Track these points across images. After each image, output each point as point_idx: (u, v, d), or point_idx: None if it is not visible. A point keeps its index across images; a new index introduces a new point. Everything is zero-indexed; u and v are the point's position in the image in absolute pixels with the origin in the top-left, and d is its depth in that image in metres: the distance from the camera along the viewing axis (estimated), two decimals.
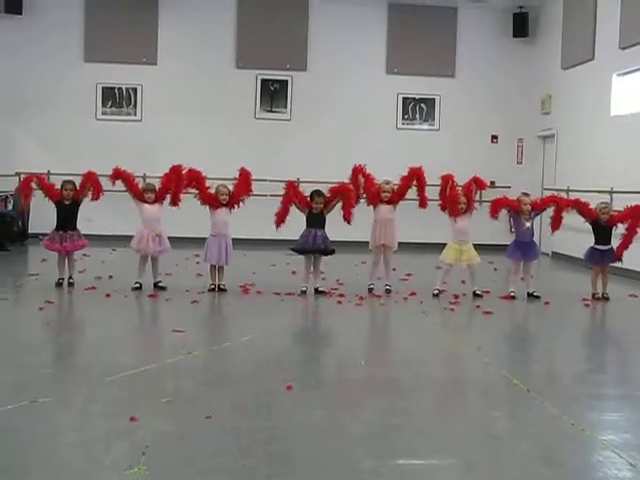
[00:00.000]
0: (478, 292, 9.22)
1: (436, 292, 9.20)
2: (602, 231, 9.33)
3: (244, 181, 9.19)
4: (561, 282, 11.39)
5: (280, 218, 9.07)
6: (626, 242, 9.24)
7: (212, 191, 9.11)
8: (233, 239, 9.25)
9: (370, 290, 9.35)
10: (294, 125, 15.15)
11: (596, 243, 9.38)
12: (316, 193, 9.19)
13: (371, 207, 9.37)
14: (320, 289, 9.13)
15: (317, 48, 15.08)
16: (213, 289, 9.06)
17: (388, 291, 9.28)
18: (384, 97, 15.23)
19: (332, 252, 9.17)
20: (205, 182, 9.11)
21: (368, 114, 15.14)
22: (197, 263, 10.08)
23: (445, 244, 9.40)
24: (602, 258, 9.35)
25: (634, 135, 11.63)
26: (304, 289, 9.07)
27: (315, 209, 9.06)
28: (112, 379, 5.21)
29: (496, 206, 9.34)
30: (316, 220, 9.06)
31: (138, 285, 9.03)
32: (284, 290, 9.11)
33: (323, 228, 9.08)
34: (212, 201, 9.04)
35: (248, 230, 13.60)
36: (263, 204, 13.77)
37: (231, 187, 9.19)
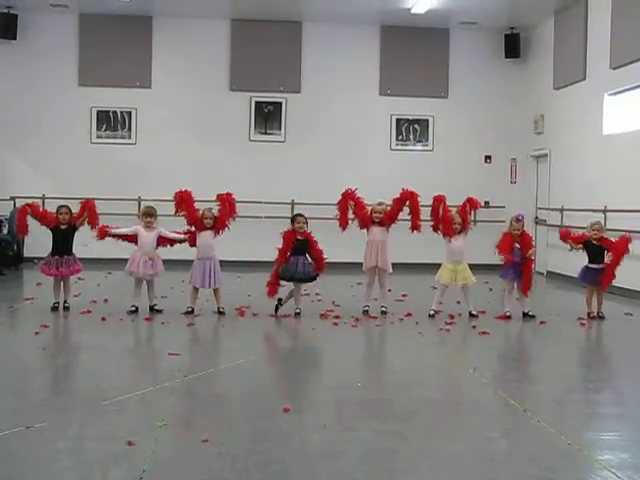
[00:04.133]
0: (474, 312, 9.22)
1: (432, 313, 9.20)
2: (594, 250, 9.34)
3: (227, 206, 9.16)
4: (556, 301, 11.39)
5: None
6: (608, 276, 9.29)
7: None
8: (227, 261, 9.22)
9: (365, 312, 9.30)
10: (288, 147, 15.18)
11: (589, 262, 9.42)
12: (298, 214, 9.23)
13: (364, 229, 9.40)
14: (297, 311, 9.07)
15: (311, 70, 15.14)
16: (191, 312, 8.99)
17: (384, 312, 9.25)
18: (378, 118, 15.29)
19: (314, 279, 9.18)
20: (193, 203, 9.15)
21: (362, 135, 15.20)
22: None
23: (440, 264, 9.39)
24: (596, 277, 9.43)
25: (626, 154, 11.66)
26: (298, 311, 9.08)
27: (299, 234, 9.05)
28: (108, 403, 5.20)
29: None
30: (301, 246, 9.05)
31: (134, 308, 9.00)
32: (280, 312, 9.08)
33: (305, 254, 9.08)
34: (197, 223, 9.05)
35: (243, 252, 13.66)
36: (258, 226, 13.94)
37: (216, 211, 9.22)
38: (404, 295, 10.56)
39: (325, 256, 9.11)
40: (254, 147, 15.14)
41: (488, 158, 15.55)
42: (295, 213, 9.47)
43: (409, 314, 9.21)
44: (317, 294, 9.43)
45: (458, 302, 9.60)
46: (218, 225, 9.08)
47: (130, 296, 9.15)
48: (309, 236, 9.13)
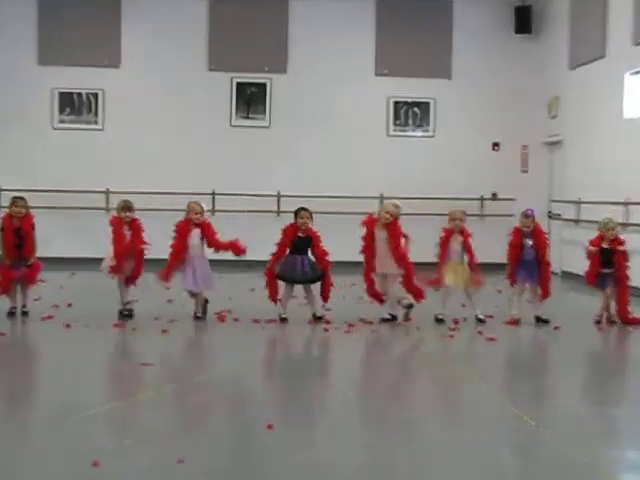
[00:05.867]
0: (480, 317, 9.26)
1: (441, 317, 9.23)
2: (608, 253, 9.30)
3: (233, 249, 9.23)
4: (572, 304, 11.44)
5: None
6: (623, 280, 9.35)
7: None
8: (210, 261, 9.27)
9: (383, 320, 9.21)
10: (273, 133, 15.13)
11: (603, 267, 9.32)
12: (302, 209, 9.20)
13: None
14: (318, 314, 9.12)
15: (298, 48, 15.06)
16: (198, 318, 9.07)
17: (386, 320, 9.17)
18: (373, 101, 15.27)
19: (321, 278, 9.16)
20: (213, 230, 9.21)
21: (356, 120, 15.12)
22: (168, 289, 10.08)
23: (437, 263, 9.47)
24: (607, 281, 9.40)
25: None
26: (284, 316, 9.06)
27: (301, 230, 9.07)
28: (73, 418, 5.18)
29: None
30: (303, 244, 9.09)
31: (126, 312, 9.06)
32: (264, 317, 9.06)
33: (307, 253, 9.12)
34: (186, 231, 9.09)
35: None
36: (241, 221, 13.89)
37: (204, 205, 9.31)
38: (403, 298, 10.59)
39: (328, 258, 9.19)
40: (235, 133, 15.11)
41: (496, 145, 15.46)
42: (300, 207, 9.35)
43: (409, 318, 9.15)
44: (305, 297, 9.43)
45: (463, 305, 9.55)
46: (208, 235, 9.08)
47: (107, 299, 9.09)
48: (313, 234, 9.16)
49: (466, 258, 9.41)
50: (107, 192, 14.36)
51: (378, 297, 9.34)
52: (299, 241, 9.07)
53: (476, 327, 8.93)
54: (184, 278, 9.12)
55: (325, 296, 9.26)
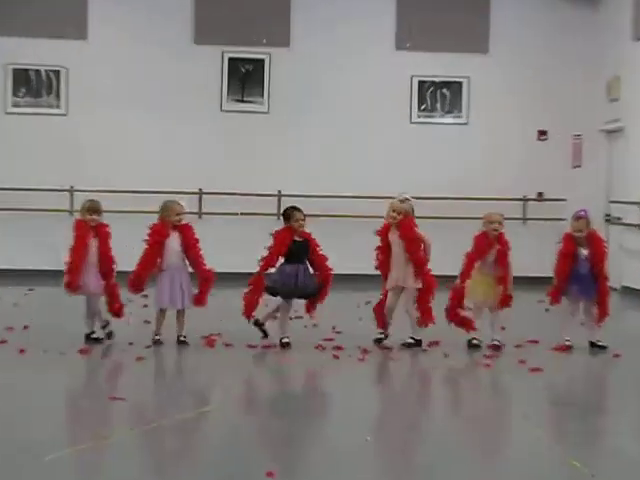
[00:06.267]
0: (497, 342, 9.19)
1: (476, 342, 9.26)
2: None
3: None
4: (635, 326, 11.48)
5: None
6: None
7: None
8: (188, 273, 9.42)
9: (378, 341, 9.31)
10: (273, 119, 15.09)
11: None
12: (296, 209, 9.28)
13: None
14: (285, 340, 9.15)
15: (303, 18, 15.04)
16: (158, 341, 9.12)
17: (409, 345, 9.23)
18: (393, 81, 15.18)
19: (319, 291, 9.25)
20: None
21: (372, 104, 15.04)
22: (144, 306, 10.11)
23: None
24: None
25: None
26: (286, 340, 9.10)
27: (297, 234, 9.14)
28: (27, 464, 5.18)
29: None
30: (300, 250, 9.15)
31: (99, 335, 9.11)
32: (261, 342, 9.12)
33: (305, 261, 9.20)
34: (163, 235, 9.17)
35: (212, 260, 13.60)
36: (234, 225, 13.96)
37: (184, 204, 9.37)
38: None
39: (329, 265, 9.26)
40: (227, 119, 15.08)
41: (542, 134, 15.44)
42: (289, 206, 9.46)
43: (435, 342, 9.21)
44: (311, 317, 9.43)
45: (503, 328, 9.51)
46: (187, 239, 9.19)
47: (74, 320, 9.12)
48: (310, 237, 9.24)
49: (493, 269, 9.34)
50: (71, 190, 14.42)
51: (380, 320, 9.38)
52: (296, 246, 9.12)
53: (517, 354, 8.83)
54: (158, 293, 9.17)
55: (313, 307, 9.31)
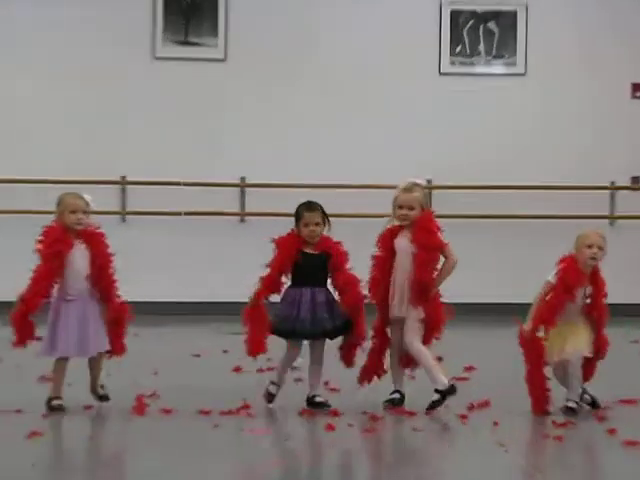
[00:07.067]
0: (572, 404, 9.02)
1: (572, 405, 9.00)
2: None
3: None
4: None
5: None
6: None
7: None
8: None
9: (391, 403, 9.10)
10: (233, 71, 14.91)
11: None
12: (306, 207, 9.12)
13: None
14: (318, 399, 9.00)
15: None
16: (59, 407, 8.82)
17: (433, 405, 8.97)
18: (415, 13, 15.00)
19: (347, 328, 9.06)
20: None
21: (384, 47, 14.80)
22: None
23: (529, 304, 9.16)
24: None
25: None
26: (272, 391, 8.98)
27: (309, 245, 9.05)
28: None
29: None
30: (312, 267, 9.09)
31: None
32: (218, 406, 8.75)
33: (324, 283, 9.06)
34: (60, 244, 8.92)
35: (151, 285, 13.55)
36: (172, 230, 13.84)
37: (89, 199, 9.10)
38: (469, 367, 10.51)
39: (362, 290, 8.98)
40: (163, 72, 14.93)
41: (639, 90, 15.30)
42: (303, 203, 9.24)
43: (479, 405, 9.04)
44: (294, 367, 9.45)
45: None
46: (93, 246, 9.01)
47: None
48: (334, 248, 9.11)
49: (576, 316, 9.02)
50: None
51: (370, 371, 9.27)
52: (306, 262, 9.02)
53: (599, 421, 8.72)
54: (54, 334, 8.92)
55: (351, 357, 9.07)
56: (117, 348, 9.10)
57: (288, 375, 9.31)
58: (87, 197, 9.06)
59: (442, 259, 9.14)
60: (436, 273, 9.10)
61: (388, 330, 9.33)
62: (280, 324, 8.91)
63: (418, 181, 9.28)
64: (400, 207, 9.06)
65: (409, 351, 9.13)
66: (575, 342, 9.09)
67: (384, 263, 9.14)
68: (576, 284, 8.88)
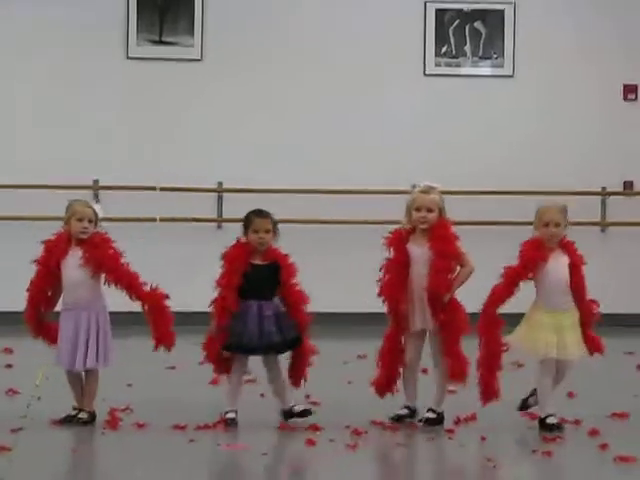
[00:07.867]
0: (551, 420, 8.94)
1: (553, 421, 8.89)
2: None
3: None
4: None
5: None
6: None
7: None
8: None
9: (398, 419, 9.08)
10: (209, 72, 14.74)
11: None
12: (257, 213, 9.03)
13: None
14: (297, 409, 8.98)
15: None
16: (78, 419, 8.89)
17: (428, 421, 9.00)
18: (400, 10, 14.83)
19: (297, 342, 9.00)
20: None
21: (367, 46, 14.67)
22: (7, 367, 9.80)
23: (521, 314, 9.10)
24: None
25: None
26: (232, 416, 8.86)
27: (257, 254, 8.95)
28: None
29: None
30: (260, 280, 8.96)
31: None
32: (194, 420, 8.80)
33: (272, 296, 8.95)
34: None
35: (124, 295, 13.32)
36: (148, 238, 13.63)
37: (98, 208, 9.07)
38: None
39: (308, 304, 8.93)
40: (137, 72, 14.74)
41: (631, 91, 15.14)
42: (252, 211, 9.17)
43: (466, 419, 9.02)
44: (268, 379, 9.17)
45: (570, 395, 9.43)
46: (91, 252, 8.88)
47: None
48: (282, 260, 9.03)
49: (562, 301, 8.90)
50: None
51: (384, 386, 9.10)
52: (254, 275, 8.91)
53: (592, 435, 8.63)
54: (59, 346, 8.90)
55: (299, 376, 9.07)
56: (164, 338, 9.17)
57: (258, 387, 9.52)
58: (97, 206, 9.13)
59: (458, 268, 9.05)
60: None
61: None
62: (232, 341, 8.95)
63: (435, 185, 9.10)
64: (418, 209, 8.96)
65: (437, 367, 9.18)
66: (575, 341, 9.06)
67: (400, 266, 9.06)
68: (534, 256, 8.90)
